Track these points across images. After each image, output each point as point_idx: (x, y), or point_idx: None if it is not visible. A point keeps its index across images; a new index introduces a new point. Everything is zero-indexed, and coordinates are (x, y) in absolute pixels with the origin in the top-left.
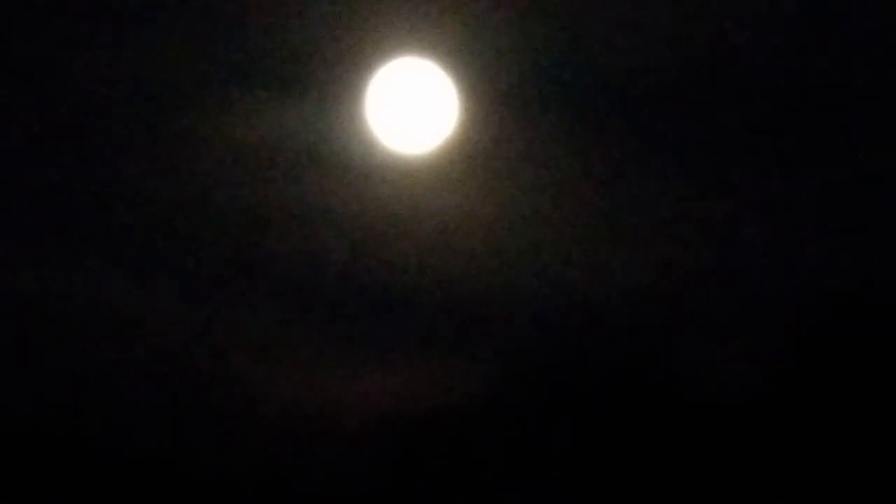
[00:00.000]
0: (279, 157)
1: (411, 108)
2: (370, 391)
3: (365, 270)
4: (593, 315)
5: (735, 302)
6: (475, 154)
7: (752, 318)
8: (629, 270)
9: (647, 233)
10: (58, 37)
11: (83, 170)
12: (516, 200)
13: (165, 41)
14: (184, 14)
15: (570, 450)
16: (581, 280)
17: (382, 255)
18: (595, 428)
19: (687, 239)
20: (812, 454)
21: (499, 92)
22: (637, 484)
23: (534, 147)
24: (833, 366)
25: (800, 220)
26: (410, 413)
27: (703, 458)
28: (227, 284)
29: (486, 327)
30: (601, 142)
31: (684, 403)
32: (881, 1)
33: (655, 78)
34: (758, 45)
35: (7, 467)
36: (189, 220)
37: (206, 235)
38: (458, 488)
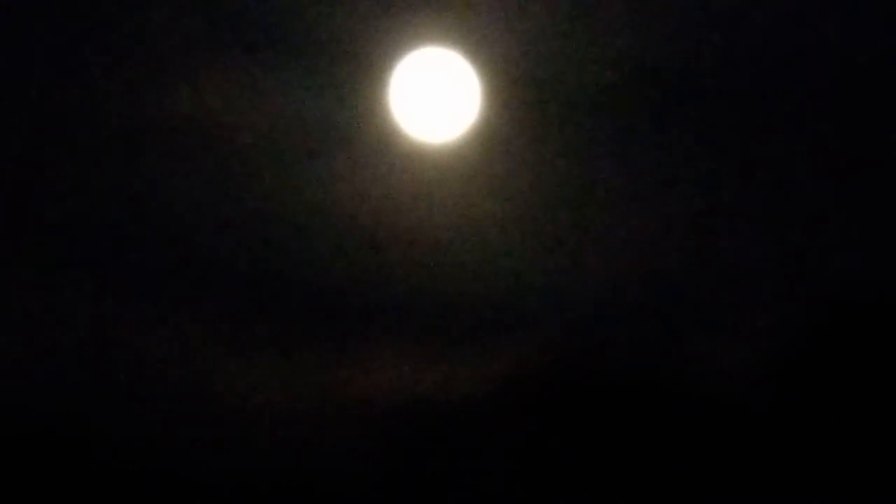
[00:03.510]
0: (303, 146)
1: (434, 97)
2: (387, 386)
3: (386, 258)
4: (613, 307)
5: (737, 302)
6: (497, 142)
7: (753, 318)
8: (648, 260)
9: (663, 222)
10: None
11: (90, 165)
12: (537, 189)
13: (181, 27)
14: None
15: (570, 449)
16: (601, 270)
17: (405, 243)
18: (596, 427)
19: (694, 234)
20: (812, 454)
21: (521, 82)
22: (638, 481)
23: (555, 136)
24: (833, 365)
25: (799, 219)
26: (422, 407)
27: (705, 458)
28: (238, 276)
29: (506, 318)
30: (622, 131)
31: (686, 402)
32: (879, 2)
33: (676, 70)
34: (764, 47)
35: None
36: (204, 212)
37: (222, 227)
38: (457, 487)
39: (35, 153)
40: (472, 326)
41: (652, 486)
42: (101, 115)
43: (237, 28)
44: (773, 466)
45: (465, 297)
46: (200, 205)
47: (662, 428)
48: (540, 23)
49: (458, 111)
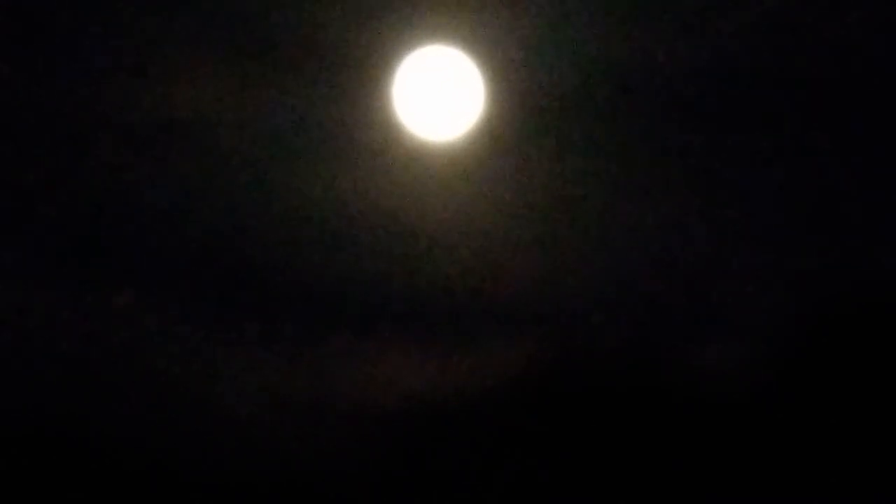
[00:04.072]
0: (306, 145)
1: (438, 95)
2: (387, 386)
3: (389, 257)
4: (614, 307)
5: (736, 302)
6: (501, 141)
7: (753, 318)
8: (649, 259)
9: (665, 222)
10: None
11: (89, 165)
12: (541, 188)
13: (185, 27)
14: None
15: (570, 449)
16: (602, 269)
17: (408, 241)
18: (596, 427)
19: (695, 234)
20: (812, 453)
21: (524, 80)
22: (639, 481)
23: (558, 134)
24: (833, 365)
25: (799, 219)
26: (422, 407)
27: (705, 458)
28: (239, 276)
29: (508, 317)
30: (625, 130)
31: (686, 402)
32: (878, 2)
33: (679, 69)
34: (764, 48)
35: None
36: (205, 213)
37: (223, 227)
38: (457, 487)
39: (32, 153)
40: (473, 326)
41: (652, 485)
42: (101, 117)
43: (239, 28)
44: (774, 466)
45: (466, 296)
46: (202, 205)
47: (663, 428)
48: (544, 21)
49: (462, 109)
